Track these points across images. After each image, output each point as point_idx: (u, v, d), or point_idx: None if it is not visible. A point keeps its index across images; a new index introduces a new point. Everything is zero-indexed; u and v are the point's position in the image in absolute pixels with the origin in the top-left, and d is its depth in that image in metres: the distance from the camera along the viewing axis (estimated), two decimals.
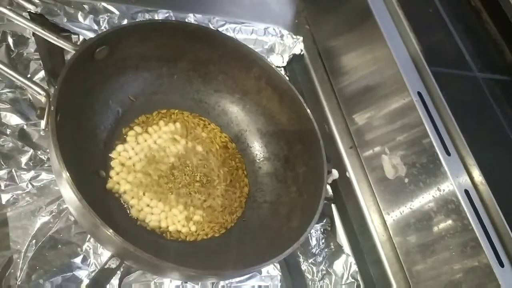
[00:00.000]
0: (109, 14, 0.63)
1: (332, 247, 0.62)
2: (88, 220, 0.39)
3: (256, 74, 0.60)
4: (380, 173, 0.64)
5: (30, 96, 0.54)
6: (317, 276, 0.59)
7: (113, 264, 0.45)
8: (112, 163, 0.52)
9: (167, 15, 0.68)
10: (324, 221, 0.64)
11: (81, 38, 0.60)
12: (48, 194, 0.50)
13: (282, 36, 0.77)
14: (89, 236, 0.49)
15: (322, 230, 0.63)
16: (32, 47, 0.57)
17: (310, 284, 0.58)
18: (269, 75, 0.60)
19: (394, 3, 0.67)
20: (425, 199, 0.57)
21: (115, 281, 0.48)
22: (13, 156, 0.51)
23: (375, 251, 0.64)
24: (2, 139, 0.51)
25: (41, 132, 0.52)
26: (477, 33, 0.78)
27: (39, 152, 0.52)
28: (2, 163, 0.50)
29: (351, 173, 0.69)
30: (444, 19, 0.74)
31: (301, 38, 0.78)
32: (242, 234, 0.56)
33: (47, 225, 0.48)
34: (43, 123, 0.43)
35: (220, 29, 0.71)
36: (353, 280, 0.60)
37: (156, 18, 0.66)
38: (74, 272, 0.47)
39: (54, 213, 0.49)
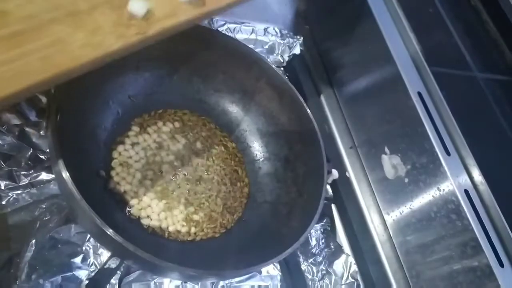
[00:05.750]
0: None
1: (332, 247, 0.62)
2: (88, 220, 0.39)
3: (256, 74, 0.60)
4: (380, 173, 0.64)
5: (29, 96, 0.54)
6: (317, 276, 0.59)
7: (113, 264, 0.45)
8: (113, 163, 0.52)
9: None
10: (324, 221, 0.64)
11: None
12: (48, 194, 0.50)
13: (282, 36, 0.77)
14: (89, 236, 0.49)
15: (322, 230, 0.63)
16: None
17: (310, 284, 0.58)
18: (269, 75, 0.60)
19: (394, 3, 0.67)
20: (425, 199, 0.57)
21: (115, 281, 0.48)
22: (13, 156, 0.51)
23: (375, 251, 0.64)
24: (2, 139, 0.51)
25: (41, 132, 0.52)
26: (477, 33, 0.78)
27: (39, 152, 0.52)
28: (2, 163, 0.50)
29: (351, 173, 0.69)
30: (444, 19, 0.74)
31: (301, 38, 0.78)
32: (242, 234, 0.56)
33: (47, 225, 0.48)
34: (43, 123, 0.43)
35: (220, 29, 0.71)
36: (353, 280, 0.60)
37: None
38: (74, 272, 0.47)
39: (54, 213, 0.49)
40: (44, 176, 0.51)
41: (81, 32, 0.33)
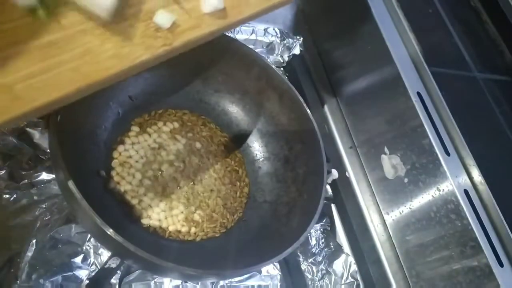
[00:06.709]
0: None
1: (332, 246, 0.63)
2: (88, 219, 0.39)
3: (256, 74, 0.60)
4: (379, 173, 0.64)
5: None
6: (316, 276, 0.59)
7: (113, 263, 0.45)
8: (113, 163, 0.52)
9: None
10: (324, 221, 0.65)
11: None
12: (48, 193, 0.50)
13: (282, 36, 0.77)
14: (89, 235, 0.49)
15: (321, 230, 0.63)
16: None
17: (309, 283, 0.58)
18: (269, 75, 0.60)
19: (394, 4, 0.67)
20: (424, 199, 0.57)
21: (115, 280, 0.48)
22: (14, 156, 0.51)
23: (374, 250, 0.64)
24: (2, 139, 0.51)
25: (42, 132, 0.52)
26: (476, 34, 0.78)
27: (39, 152, 0.52)
28: (3, 163, 0.50)
29: (350, 173, 0.69)
30: (443, 19, 0.74)
31: (301, 38, 0.78)
32: (242, 234, 0.56)
33: (47, 225, 0.48)
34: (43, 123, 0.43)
35: None
36: (352, 280, 0.60)
37: None
38: (74, 272, 0.47)
39: (54, 213, 0.49)
40: (44, 176, 0.51)
41: (109, 43, 0.33)
